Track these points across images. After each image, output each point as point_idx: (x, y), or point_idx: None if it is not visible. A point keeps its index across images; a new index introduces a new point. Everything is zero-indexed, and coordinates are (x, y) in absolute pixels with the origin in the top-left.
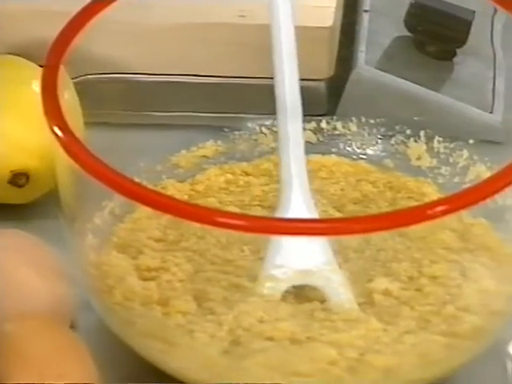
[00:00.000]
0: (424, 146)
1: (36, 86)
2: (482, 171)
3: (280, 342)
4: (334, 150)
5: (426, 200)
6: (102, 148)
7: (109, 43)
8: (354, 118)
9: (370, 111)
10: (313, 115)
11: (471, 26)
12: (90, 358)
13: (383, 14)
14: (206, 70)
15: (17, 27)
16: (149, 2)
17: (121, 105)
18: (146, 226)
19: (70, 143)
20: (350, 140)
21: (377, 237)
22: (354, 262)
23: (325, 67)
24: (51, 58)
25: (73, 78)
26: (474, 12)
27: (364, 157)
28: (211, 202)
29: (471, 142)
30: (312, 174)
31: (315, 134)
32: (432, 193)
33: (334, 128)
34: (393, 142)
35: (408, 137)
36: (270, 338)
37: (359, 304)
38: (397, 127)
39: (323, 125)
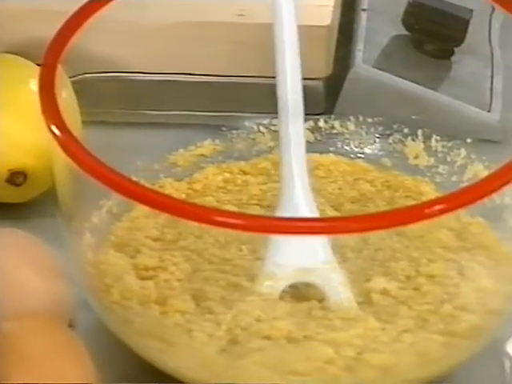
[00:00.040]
0: (422, 145)
1: (34, 85)
2: (480, 170)
3: (277, 341)
4: (331, 148)
5: (424, 199)
6: (100, 147)
7: (106, 42)
8: (351, 117)
9: (367, 110)
10: (311, 114)
11: (469, 25)
12: (88, 357)
13: (381, 13)
14: (205, 69)
15: (14, 26)
16: (146, 1)
17: (119, 103)
18: (143, 225)
19: (68, 142)
20: (347, 139)
21: (375, 236)
22: (351, 262)
23: (323, 66)
24: (49, 57)
25: (70, 77)
26: (471, 11)
27: (362, 156)
28: (209, 200)
29: (469, 140)
30: (310, 172)
31: (313, 132)
32: (430, 192)
33: (332, 127)
34: (390, 140)
35: (406, 136)
36: (268, 337)
37: (357, 303)
38: (394, 126)
39: (321, 124)
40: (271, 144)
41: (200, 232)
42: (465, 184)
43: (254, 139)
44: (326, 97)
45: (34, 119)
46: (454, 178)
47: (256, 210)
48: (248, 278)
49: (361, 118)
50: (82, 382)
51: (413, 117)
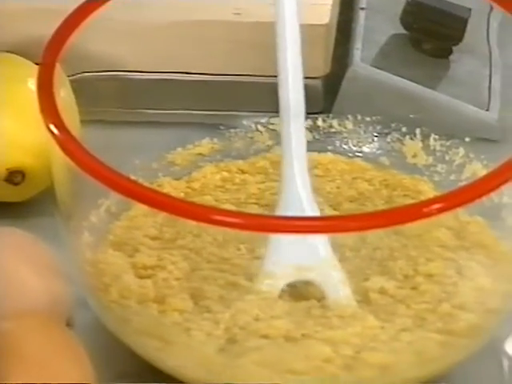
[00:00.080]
0: (420, 144)
1: (32, 84)
2: (478, 169)
3: (275, 340)
4: (329, 147)
5: (422, 198)
6: (98, 146)
7: (105, 41)
8: (349, 116)
9: (365, 109)
10: (309, 113)
11: (467, 24)
12: (86, 356)
13: (379, 12)
14: (202, 68)
15: (13, 25)
16: (144, 1)
17: (117, 102)
18: (142, 224)
19: (66, 141)
20: (345, 138)
21: (373, 235)
22: (350, 261)
23: (321, 65)
24: (47, 56)
25: (69, 76)
26: (470, 10)
27: (360, 154)
28: (207, 199)
29: (467, 139)
30: (308, 171)
31: (311, 131)
32: (428, 191)
33: (330, 126)
34: (389, 139)
35: (404, 134)
36: (265, 336)
37: (356, 302)
38: (393, 125)
39: (319, 122)
40: (269, 143)
41: (198, 231)
42: (463, 183)
43: (252, 138)
44: (324, 95)
45: (33, 118)
46: (452, 177)
47: (254, 209)
48: (246, 277)
49: (359, 117)
50: (80, 380)
51: (411, 116)
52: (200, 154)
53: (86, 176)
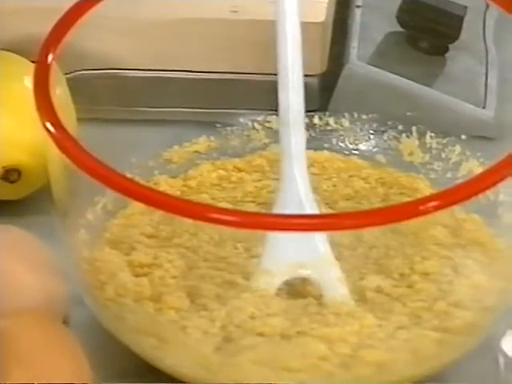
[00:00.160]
0: (416, 142)
1: (28, 82)
2: (475, 167)
3: (271, 338)
4: (326, 145)
5: (419, 196)
6: (95, 144)
7: (101, 39)
8: (346, 114)
9: (362, 107)
10: (305, 111)
11: (463, 22)
12: (82, 354)
13: (375, 10)
14: (198, 66)
15: (9, 23)
16: None
17: (113, 100)
18: (138, 222)
19: (63, 139)
20: (342, 135)
21: (369, 234)
22: (346, 260)
23: (317, 63)
24: (43, 54)
25: (65, 74)
26: (466, 7)
27: (356, 152)
28: (204, 198)
29: (463, 137)
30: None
31: (307, 129)
32: (424, 188)
33: (327, 123)
34: (385, 137)
35: (400, 132)
36: (261, 334)
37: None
38: (389, 123)
39: (315, 120)
40: (266, 141)
41: (195, 229)
42: (459, 181)
43: (248, 136)
44: (320, 93)
45: (29, 116)
46: (448, 175)
47: (251, 208)
48: (243, 275)
49: (355, 115)
50: (77, 378)
51: (407, 113)
52: (196, 151)
53: (83, 174)
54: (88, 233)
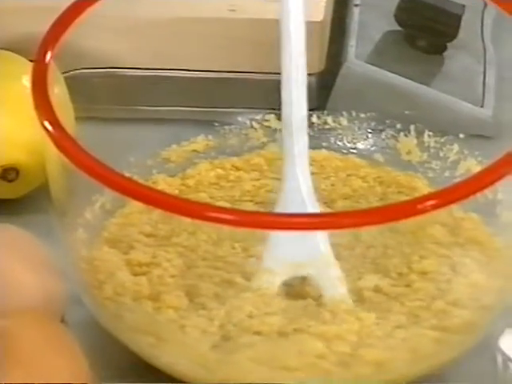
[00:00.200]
0: (414, 141)
1: (26, 81)
2: (473, 165)
3: (268, 336)
4: (324, 144)
5: (417, 194)
6: (93, 143)
7: (99, 38)
8: (344, 113)
9: (360, 105)
10: None
11: (461, 21)
12: (80, 353)
13: (374, 8)
14: (196, 65)
15: (7, 22)
16: None
17: (111, 99)
18: (137, 221)
19: (61, 138)
20: (340, 134)
21: (367, 233)
22: (344, 260)
23: (315, 61)
24: (41, 53)
25: (63, 73)
26: (464, 6)
27: (354, 151)
28: (202, 197)
29: (462, 136)
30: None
31: None
32: (422, 187)
33: (325, 122)
34: (383, 136)
35: (398, 131)
36: (259, 333)
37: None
38: (387, 121)
39: (314, 119)
40: (264, 140)
41: (193, 228)
42: (457, 179)
43: (246, 135)
44: (318, 92)
45: (27, 115)
46: (446, 174)
47: (249, 206)
48: (241, 275)
49: (353, 114)
50: (75, 377)
51: (405, 112)
52: (195, 150)
53: (81, 173)
54: (86, 232)
